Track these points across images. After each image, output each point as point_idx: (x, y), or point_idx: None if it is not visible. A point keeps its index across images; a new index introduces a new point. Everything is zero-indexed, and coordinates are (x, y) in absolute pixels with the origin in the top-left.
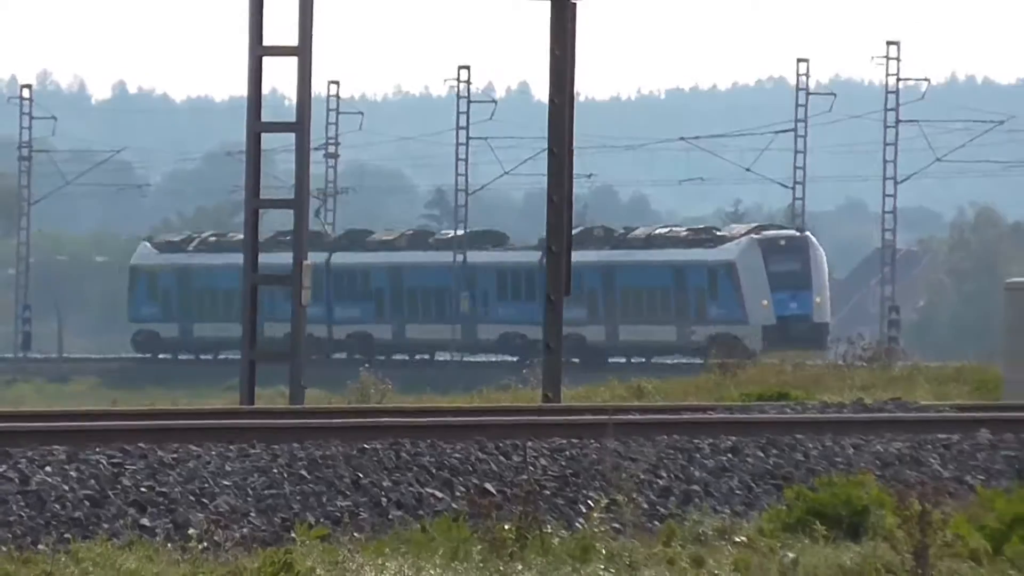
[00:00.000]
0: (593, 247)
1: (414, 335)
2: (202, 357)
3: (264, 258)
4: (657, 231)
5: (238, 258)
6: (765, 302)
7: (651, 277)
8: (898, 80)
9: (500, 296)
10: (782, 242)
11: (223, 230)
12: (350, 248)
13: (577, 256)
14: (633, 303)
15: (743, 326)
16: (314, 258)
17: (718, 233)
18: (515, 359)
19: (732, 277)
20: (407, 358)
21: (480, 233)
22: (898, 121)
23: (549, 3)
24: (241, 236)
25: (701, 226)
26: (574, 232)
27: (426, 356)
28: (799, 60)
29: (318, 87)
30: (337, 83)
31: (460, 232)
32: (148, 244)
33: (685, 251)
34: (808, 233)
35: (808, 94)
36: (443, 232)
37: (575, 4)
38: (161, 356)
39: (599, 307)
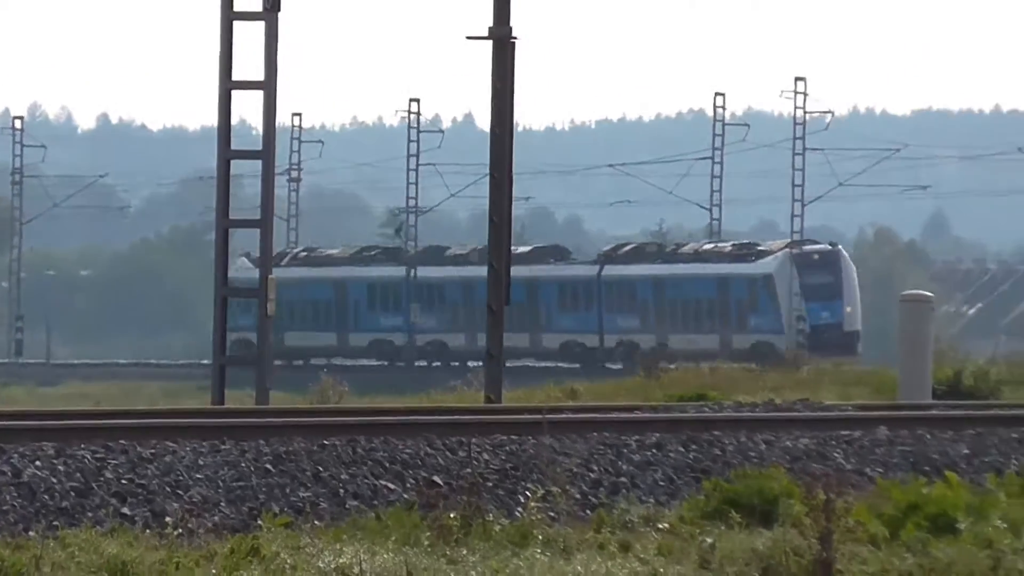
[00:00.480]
0: (646, 261)
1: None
2: (294, 363)
3: (351, 271)
4: (705, 246)
5: (328, 272)
6: (800, 313)
7: (695, 288)
8: (805, 112)
9: (561, 307)
10: (815, 256)
11: (201, 247)
12: (428, 263)
13: (631, 270)
14: (681, 313)
15: (780, 335)
16: (394, 272)
17: (758, 248)
18: (577, 366)
19: (769, 289)
20: (479, 364)
21: (544, 248)
22: (805, 149)
23: (491, 42)
24: (330, 251)
25: (745, 240)
26: (629, 248)
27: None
28: (716, 94)
29: (282, 118)
30: (299, 114)
31: (473, 248)
32: (246, 259)
33: (728, 265)
34: (840, 247)
35: (724, 124)
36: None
37: (514, 43)
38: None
39: (650, 317)
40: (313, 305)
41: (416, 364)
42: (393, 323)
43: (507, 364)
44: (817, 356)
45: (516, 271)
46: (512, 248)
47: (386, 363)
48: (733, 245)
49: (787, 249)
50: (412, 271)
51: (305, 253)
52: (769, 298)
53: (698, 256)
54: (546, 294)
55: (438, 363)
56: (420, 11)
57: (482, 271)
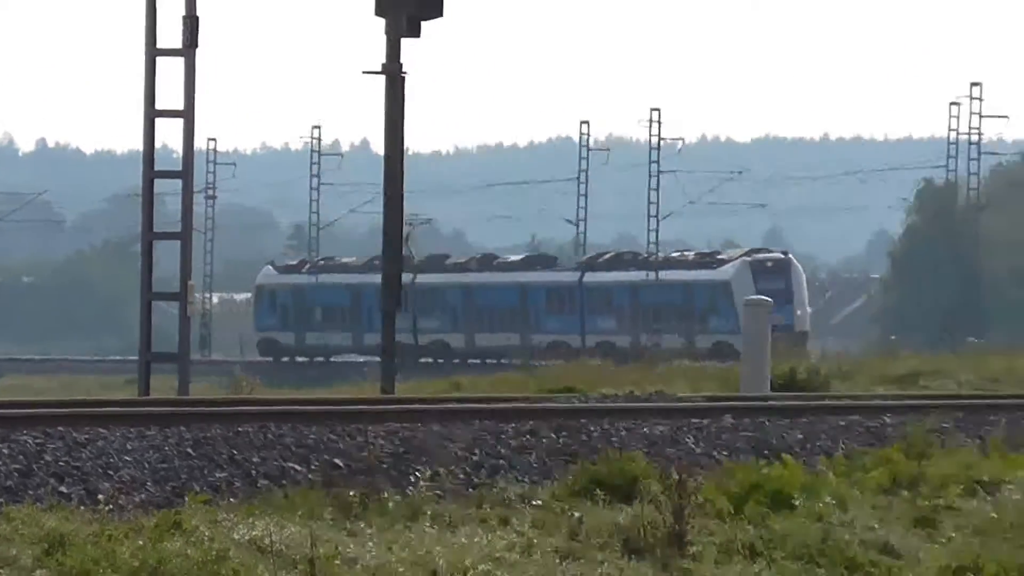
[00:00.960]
0: (621, 269)
1: (483, 343)
2: (315, 360)
3: (365, 278)
4: (672, 255)
5: (344, 278)
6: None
7: (665, 293)
8: (660, 139)
9: (549, 310)
10: (769, 263)
11: (130, 258)
12: (429, 270)
13: (608, 276)
14: (652, 315)
15: (737, 335)
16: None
17: (719, 256)
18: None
19: (727, 293)
20: (480, 362)
21: (535, 257)
22: (660, 172)
23: (384, 77)
24: (346, 260)
25: (707, 250)
26: (607, 256)
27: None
28: (582, 122)
29: (200, 142)
30: (215, 139)
31: (472, 257)
32: (271, 267)
33: (693, 272)
34: (791, 255)
35: (589, 149)
36: (505, 257)
37: (404, 77)
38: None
39: (626, 319)
40: (330, 308)
41: (420, 360)
42: (400, 324)
43: (502, 361)
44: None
45: (510, 277)
46: (505, 257)
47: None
48: (697, 254)
49: (744, 257)
50: (413, 277)
51: (323, 262)
52: (727, 302)
53: (667, 263)
54: (534, 298)
55: (442, 360)
56: (323, 48)
57: (469, 278)
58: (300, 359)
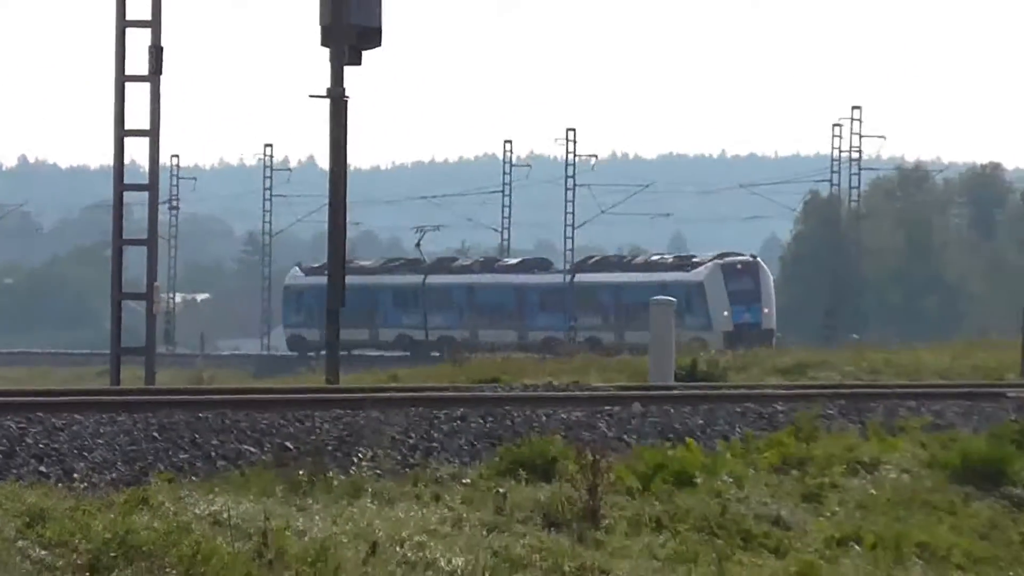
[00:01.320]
0: (607, 270)
1: (486, 338)
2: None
3: (380, 279)
4: (652, 258)
5: (361, 279)
6: (726, 313)
7: (645, 293)
8: (575, 156)
9: (541, 308)
10: (739, 266)
11: (102, 261)
12: (439, 271)
13: (592, 278)
14: (633, 313)
15: (709, 331)
16: (413, 279)
17: (694, 259)
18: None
19: (700, 293)
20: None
21: (529, 260)
22: (575, 185)
23: (328, 100)
24: (365, 262)
25: (684, 253)
26: (595, 259)
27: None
28: (505, 141)
29: (164, 158)
30: (177, 155)
31: (476, 259)
32: (298, 268)
33: (670, 274)
34: (759, 259)
35: (512, 165)
36: (504, 260)
37: (346, 101)
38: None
39: (611, 317)
40: (350, 306)
41: (431, 354)
42: (413, 321)
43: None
44: (742, 348)
45: (506, 279)
46: (504, 260)
47: (408, 354)
48: (675, 257)
49: (716, 260)
50: (424, 278)
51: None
52: (701, 301)
53: (647, 266)
54: (530, 298)
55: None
56: (274, 75)
57: (473, 278)
58: (324, 353)
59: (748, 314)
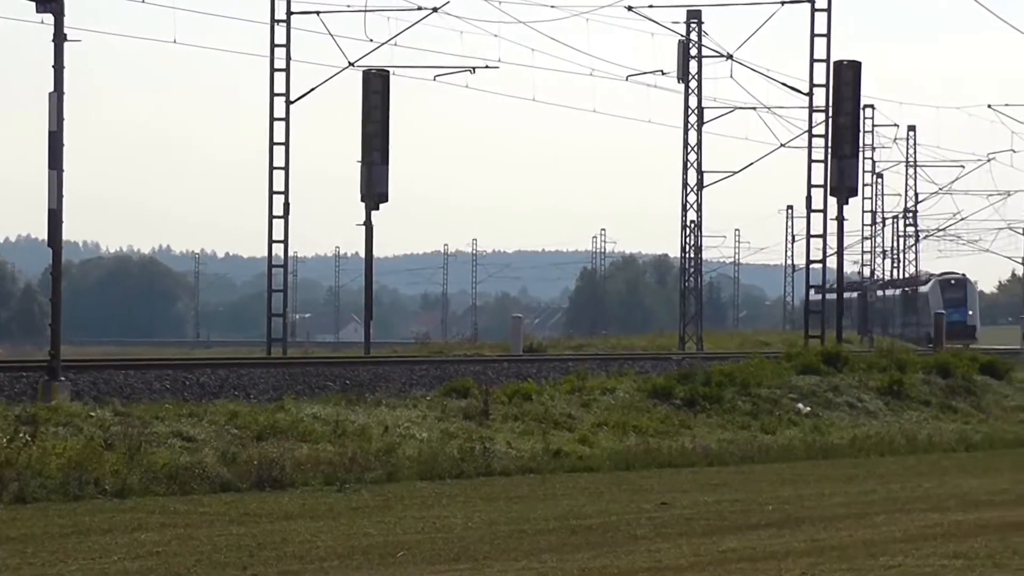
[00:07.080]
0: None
1: None
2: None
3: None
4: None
5: None
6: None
7: (895, 301)
8: None
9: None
10: (952, 281)
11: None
12: None
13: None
14: (887, 317)
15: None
16: None
17: (921, 279)
18: None
19: (926, 302)
20: None
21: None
22: None
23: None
24: None
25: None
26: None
27: None
28: None
29: None
30: None
31: None
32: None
33: (914, 288)
34: (966, 274)
35: None
36: None
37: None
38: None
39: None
40: None
41: None
42: None
43: None
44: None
45: None
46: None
47: None
48: (906, 278)
49: (937, 278)
50: None
51: None
52: (926, 307)
53: (887, 285)
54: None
55: None
56: None
57: None
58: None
59: (958, 315)
